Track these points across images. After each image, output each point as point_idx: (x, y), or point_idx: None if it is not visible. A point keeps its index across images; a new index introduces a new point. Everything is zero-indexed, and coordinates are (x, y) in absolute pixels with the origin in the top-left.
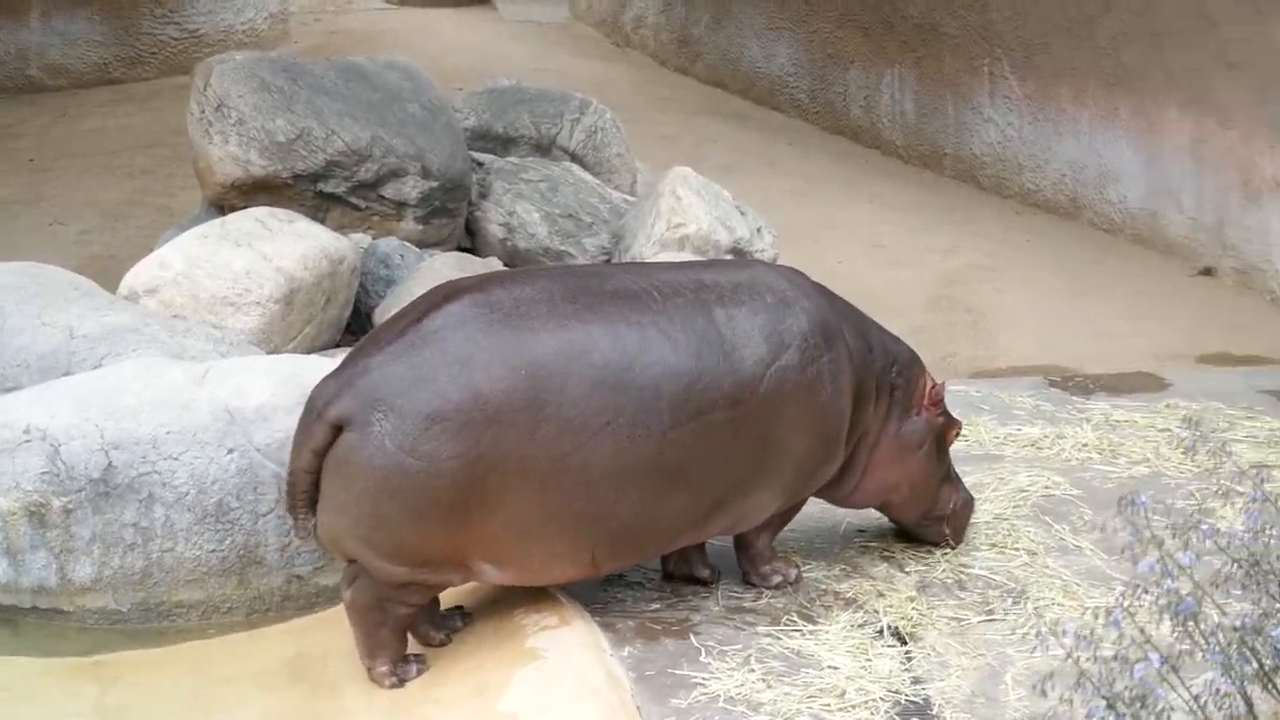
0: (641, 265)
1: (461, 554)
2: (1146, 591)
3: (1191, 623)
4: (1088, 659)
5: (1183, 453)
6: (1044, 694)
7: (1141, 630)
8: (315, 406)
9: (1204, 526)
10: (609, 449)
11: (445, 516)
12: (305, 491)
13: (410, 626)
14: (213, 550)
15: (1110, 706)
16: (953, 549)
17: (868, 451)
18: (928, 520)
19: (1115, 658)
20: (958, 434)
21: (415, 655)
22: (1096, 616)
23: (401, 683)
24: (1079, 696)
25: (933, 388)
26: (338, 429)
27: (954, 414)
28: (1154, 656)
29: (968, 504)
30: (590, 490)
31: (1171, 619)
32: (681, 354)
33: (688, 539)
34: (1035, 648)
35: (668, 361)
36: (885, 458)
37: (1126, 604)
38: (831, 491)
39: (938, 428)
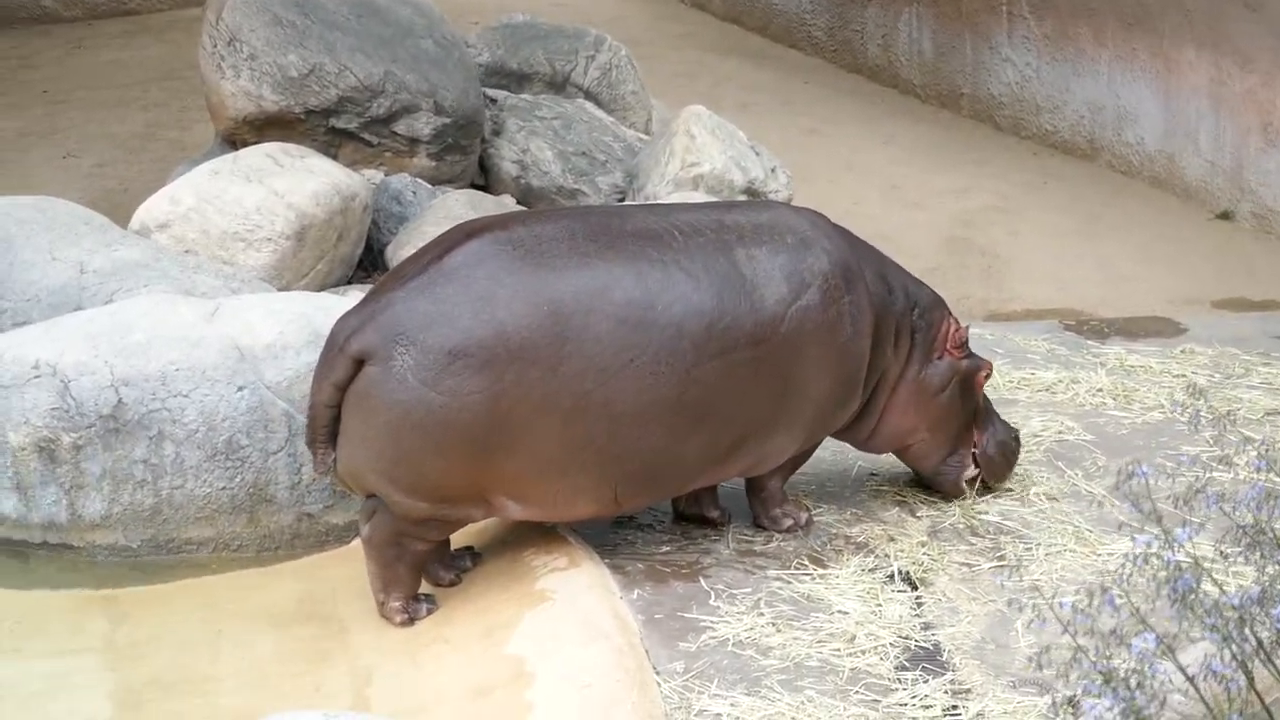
0: (662, 206)
1: (483, 489)
2: (1146, 563)
3: (1191, 596)
4: (1085, 633)
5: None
6: (1040, 668)
7: (1136, 610)
8: (337, 340)
9: (1209, 492)
10: (632, 386)
11: (467, 452)
12: (325, 426)
13: (424, 564)
14: (223, 487)
15: (1107, 682)
16: (994, 487)
17: (886, 394)
18: (946, 467)
19: (1113, 633)
20: (988, 376)
21: (425, 595)
22: (1092, 595)
23: (412, 621)
24: (1075, 672)
25: (955, 330)
26: (360, 363)
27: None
28: (1150, 635)
29: (1002, 445)
30: (613, 427)
31: (1170, 594)
32: (704, 293)
33: (708, 479)
34: (1031, 622)
35: (690, 300)
36: (904, 402)
37: (1127, 575)
38: (849, 434)
39: (961, 371)
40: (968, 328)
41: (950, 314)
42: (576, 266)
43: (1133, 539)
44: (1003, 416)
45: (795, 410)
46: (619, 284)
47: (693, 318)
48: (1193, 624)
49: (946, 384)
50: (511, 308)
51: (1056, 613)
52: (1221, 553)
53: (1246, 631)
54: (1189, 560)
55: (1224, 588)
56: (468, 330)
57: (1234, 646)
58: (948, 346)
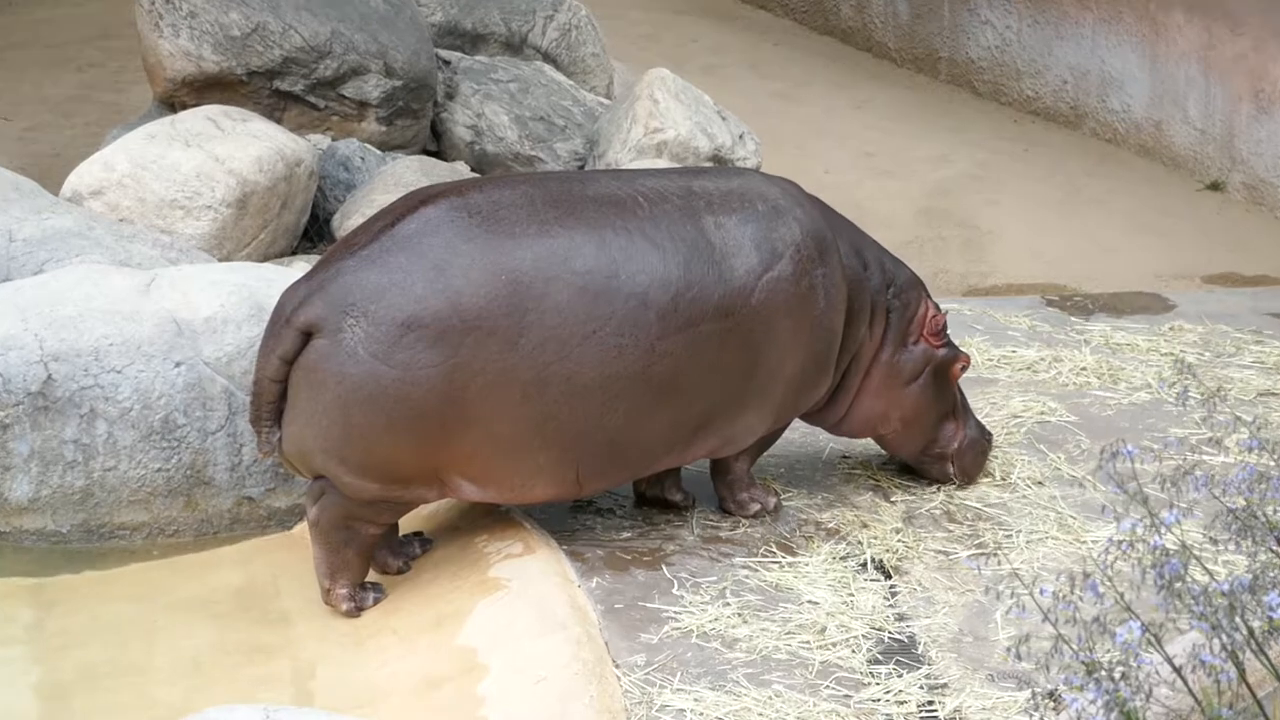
0: (626, 171)
1: (437, 469)
2: (1131, 548)
3: (1178, 583)
4: (1066, 621)
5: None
6: (1019, 658)
7: (1120, 597)
8: (284, 312)
9: (1198, 474)
10: (594, 359)
11: (421, 429)
12: (271, 403)
13: (373, 548)
14: (158, 469)
15: (1090, 673)
16: (966, 485)
17: (860, 376)
18: (927, 457)
19: (1096, 621)
20: (965, 368)
21: (373, 584)
22: (1073, 582)
23: (358, 610)
24: (1056, 662)
25: (933, 316)
26: (307, 335)
27: (952, 338)
28: (1135, 624)
29: (976, 443)
30: (575, 403)
31: (1155, 581)
32: (670, 262)
33: (673, 460)
34: (1009, 610)
35: (655, 269)
36: (876, 386)
37: (1111, 560)
38: (821, 417)
39: (937, 361)
40: (946, 313)
41: (928, 297)
42: (536, 234)
43: (1116, 522)
44: (983, 395)
45: (765, 388)
46: (580, 252)
47: (658, 288)
48: (1180, 612)
49: (919, 372)
50: (468, 276)
51: (1036, 600)
52: (1211, 538)
53: (1237, 620)
54: (1176, 545)
55: (1213, 574)
56: (421, 300)
57: (1224, 636)
58: (924, 332)
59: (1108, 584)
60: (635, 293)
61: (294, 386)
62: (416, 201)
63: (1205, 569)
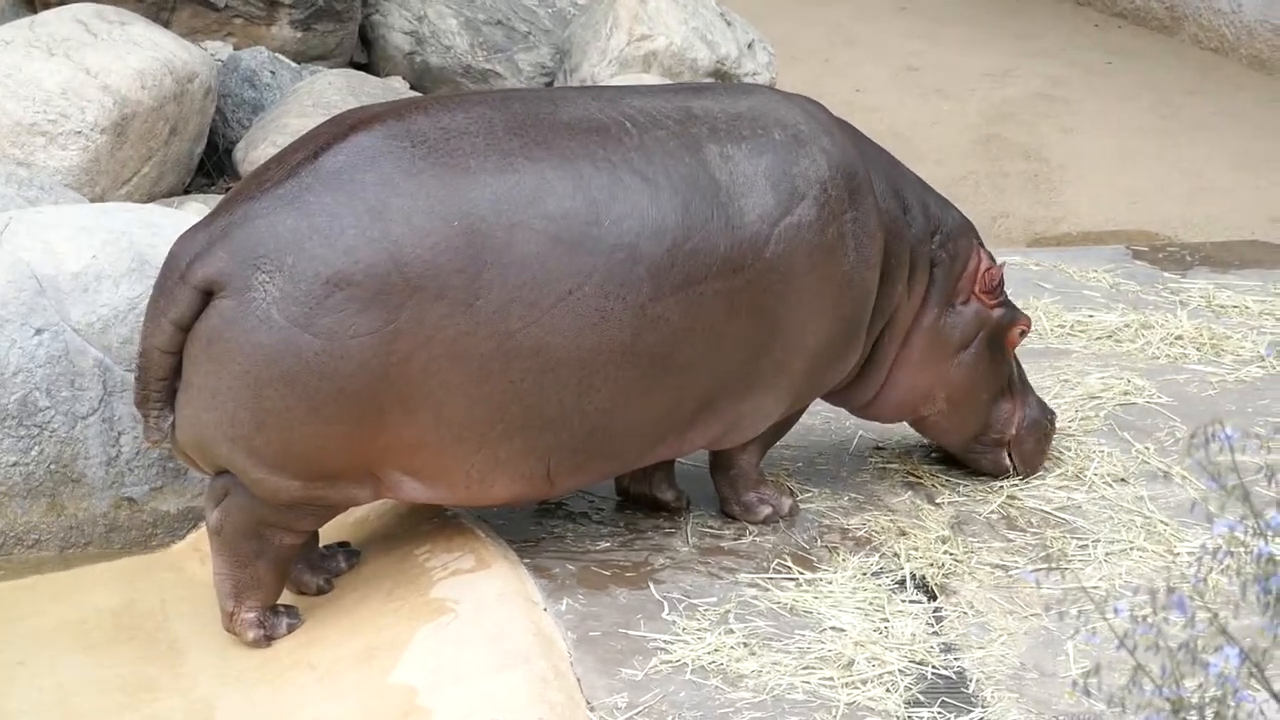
0: (609, 89)
1: (372, 462)
2: (1230, 556)
3: None
4: (1147, 647)
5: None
6: (1088, 693)
7: (1215, 615)
8: (177, 266)
9: None
10: (570, 326)
11: (351, 413)
12: (161, 379)
13: (290, 562)
14: (14, 463)
15: (1176, 713)
16: (1026, 477)
17: (896, 345)
18: (980, 445)
19: (1183, 647)
20: (1024, 333)
21: (286, 606)
22: (1155, 599)
23: (268, 639)
24: (1133, 700)
25: (987, 269)
26: (207, 295)
27: (1011, 298)
28: (1232, 650)
29: (1037, 425)
30: (546, 381)
31: (1259, 597)
32: (664, 204)
33: (666, 451)
34: (1078, 631)
35: (646, 213)
36: (918, 355)
37: (1204, 572)
38: (847, 397)
39: (992, 323)
40: (1003, 265)
41: (981, 246)
42: (496, 168)
43: (1210, 525)
44: (1052, 371)
45: (781, 361)
46: (552, 191)
47: (650, 237)
48: None
49: (970, 338)
50: (410, 221)
51: (1110, 622)
52: None
53: None
54: None
55: None
56: (352, 251)
57: None
58: (976, 289)
59: (1198, 601)
60: (621, 243)
61: (190, 359)
62: (345, 128)
63: None
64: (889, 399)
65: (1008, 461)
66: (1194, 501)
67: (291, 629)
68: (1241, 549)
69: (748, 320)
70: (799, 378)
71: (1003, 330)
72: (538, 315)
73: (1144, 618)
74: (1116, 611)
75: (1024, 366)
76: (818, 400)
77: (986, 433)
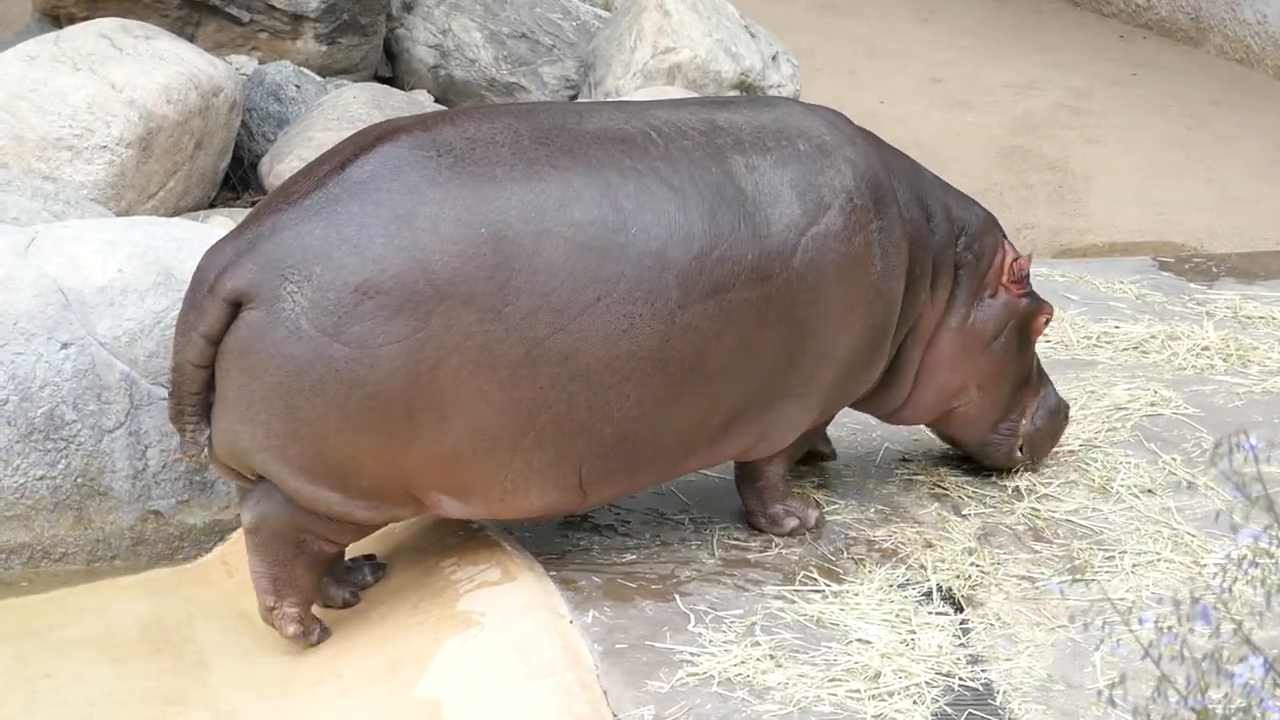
0: (633, 103)
1: (408, 478)
2: (1255, 566)
3: None
4: (1171, 657)
5: None
6: (1113, 704)
7: (1239, 625)
8: (207, 278)
9: None
10: (599, 333)
11: (384, 422)
12: (195, 393)
13: (323, 569)
14: (41, 477)
15: None
16: (1032, 469)
17: (919, 350)
18: (997, 435)
19: (1208, 657)
20: (1048, 321)
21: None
22: (1179, 604)
23: (306, 636)
24: (1159, 710)
25: (1014, 261)
26: (236, 307)
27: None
28: (1257, 660)
29: (1052, 415)
30: (576, 389)
31: None
32: (691, 212)
33: (697, 462)
34: (1101, 644)
35: (673, 220)
36: (946, 357)
37: (1229, 582)
38: (875, 404)
39: (1019, 312)
40: (1029, 257)
41: (1005, 239)
42: (523, 176)
43: (1234, 534)
44: (1078, 382)
45: (811, 371)
46: (579, 199)
47: (678, 245)
48: None
49: (1001, 328)
50: (438, 230)
51: (1134, 632)
52: None
53: None
54: None
55: None
56: (380, 259)
57: None
58: (1004, 280)
59: (1222, 610)
60: (648, 250)
61: (222, 372)
62: (371, 139)
63: None
64: (922, 401)
65: (1019, 453)
66: (1218, 512)
67: (323, 639)
68: (1267, 559)
69: (777, 329)
70: (828, 387)
71: (1029, 318)
72: (566, 322)
73: (1169, 628)
74: (1141, 622)
75: (1050, 377)
76: (844, 412)
77: (1006, 420)
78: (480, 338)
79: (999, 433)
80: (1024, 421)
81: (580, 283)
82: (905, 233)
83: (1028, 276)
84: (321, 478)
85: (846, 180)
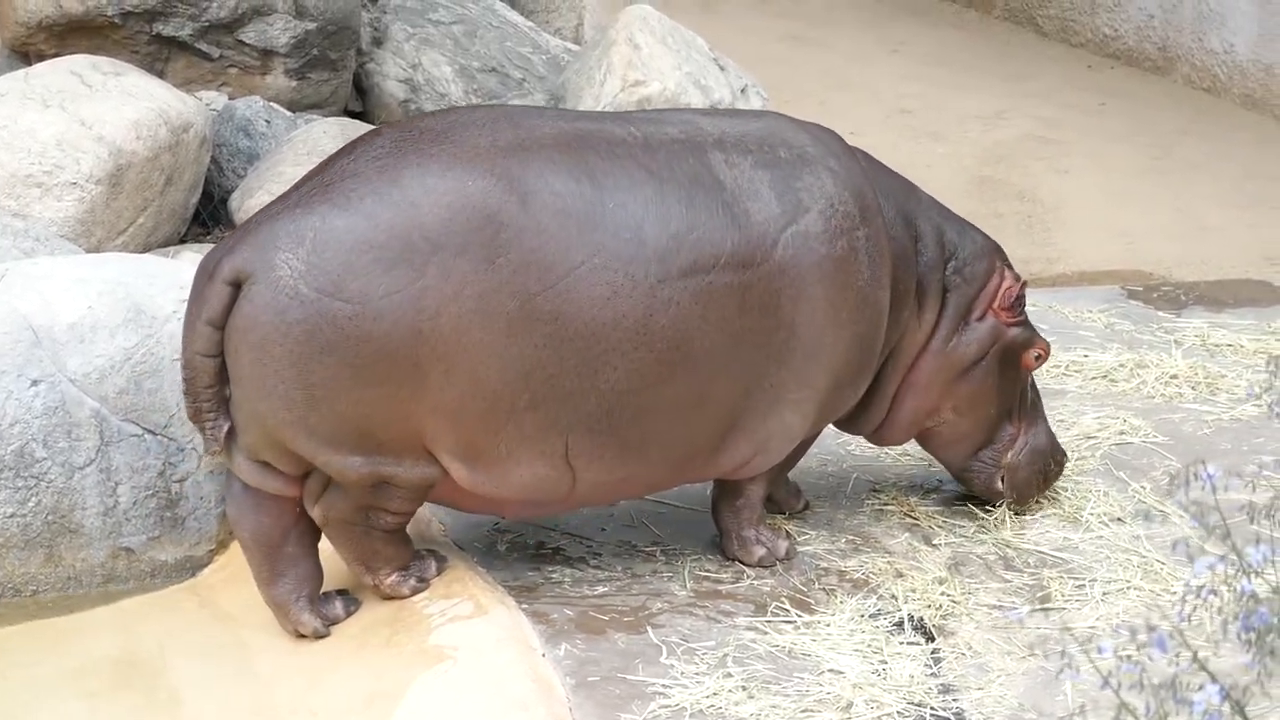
0: (611, 113)
1: (421, 432)
2: (1214, 594)
3: (1273, 638)
4: (1131, 686)
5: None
6: None
7: (1195, 653)
8: (205, 269)
9: None
10: (584, 297)
11: (393, 374)
12: (209, 386)
13: (404, 529)
14: (11, 514)
15: None
16: (1017, 509)
17: (899, 373)
18: (979, 462)
19: (1165, 686)
20: (1042, 358)
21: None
22: (1135, 634)
23: (425, 582)
24: None
25: (1007, 287)
26: (237, 287)
27: None
28: (1213, 688)
29: (1037, 455)
30: (565, 351)
31: (1240, 634)
32: (668, 194)
33: (696, 471)
34: (1062, 669)
35: (649, 200)
36: (927, 379)
37: (1189, 610)
38: (855, 423)
39: (1006, 340)
40: (1022, 284)
41: (1005, 265)
42: (505, 148)
43: (1190, 561)
44: (1048, 411)
45: (803, 373)
46: (559, 171)
47: (654, 221)
48: (1273, 673)
49: (984, 352)
50: (425, 185)
51: (1094, 661)
52: None
53: None
54: (1270, 589)
55: None
56: (371, 215)
57: None
58: (995, 305)
59: (1179, 638)
60: (626, 223)
61: (233, 354)
62: (353, 141)
63: None
64: (900, 421)
65: (1000, 485)
66: (1175, 541)
67: (441, 569)
68: (1225, 587)
69: (761, 319)
70: (821, 394)
71: (1017, 349)
72: (553, 281)
73: (1129, 656)
74: (1101, 651)
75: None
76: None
77: (987, 449)
78: (476, 286)
79: (980, 460)
80: (1008, 455)
81: (563, 246)
82: (889, 247)
83: (1020, 302)
84: (344, 443)
85: (827, 187)
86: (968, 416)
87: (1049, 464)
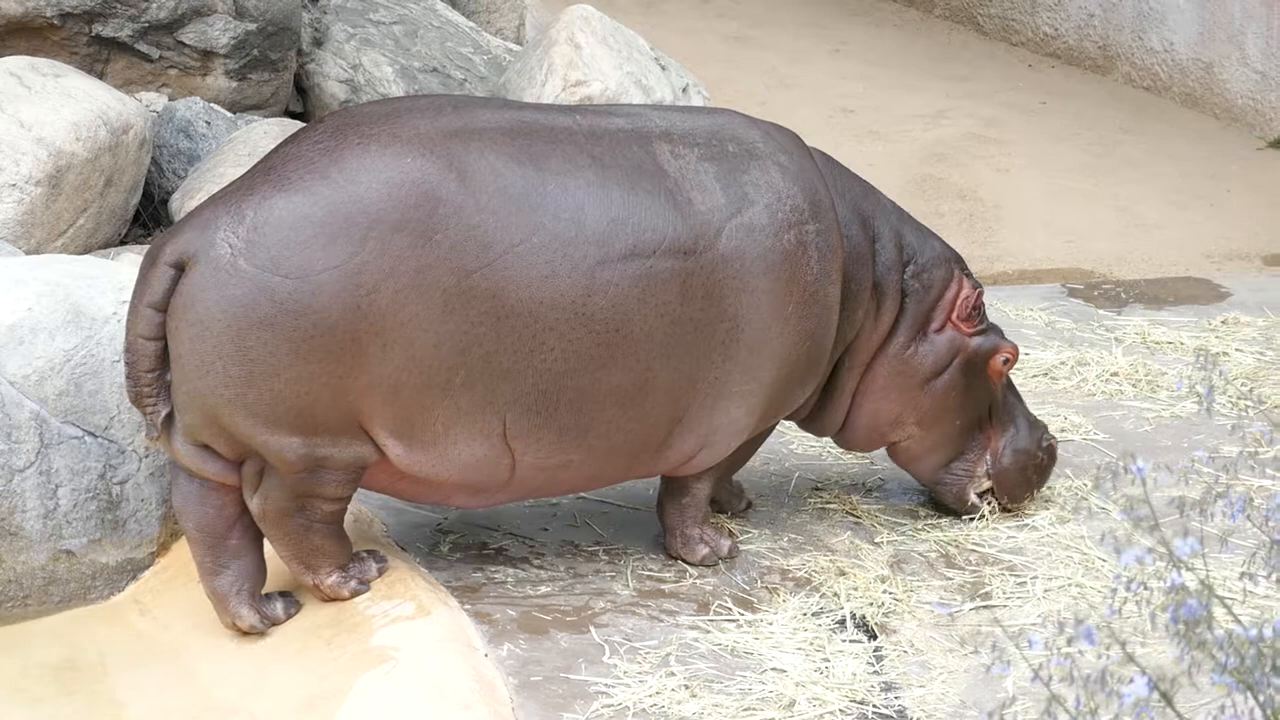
0: (561, 105)
1: (358, 409)
2: (1145, 588)
3: (1202, 629)
4: (1061, 679)
5: (1195, 402)
6: None
7: (1123, 645)
8: (149, 256)
9: (1233, 498)
10: (521, 276)
11: (331, 349)
12: (150, 370)
13: (342, 523)
14: None
15: None
16: (1010, 511)
17: (853, 374)
18: (950, 475)
19: (1095, 679)
20: (1011, 362)
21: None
22: (1062, 627)
23: (366, 583)
24: None
25: (964, 297)
26: (179, 269)
27: None
28: (1141, 679)
29: (1021, 454)
30: (502, 329)
31: (1170, 626)
32: (610, 179)
33: (642, 467)
34: (992, 665)
35: (589, 184)
36: (883, 383)
37: (1119, 603)
38: (816, 423)
39: (969, 351)
40: (977, 292)
41: (964, 274)
42: (444, 134)
43: (1117, 554)
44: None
45: (749, 367)
46: (499, 151)
47: (595, 204)
48: (1200, 663)
49: (944, 365)
50: (363, 161)
51: (1024, 655)
52: (1248, 575)
53: (1269, 673)
54: (1199, 582)
55: (1239, 618)
56: (310, 192)
57: (1262, 694)
58: (953, 316)
59: (1108, 631)
60: (566, 205)
61: (174, 334)
62: (297, 130)
63: (1231, 612)
64: (856, 426)
65: (973, 498)
66: (1104, 534)
67: (381, 571)
68: (1156, 579)
69: (703, 308)
70: (767, 388)
71: (982, 358)
72: (491, 259)
73: (1059, 650)
74: (1030, 644)
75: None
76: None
77: (958, 460)
78: (413, 262)
79: (951, 473)
80: (984, 462)
81: (502, 224)
82: (841, 244)
83: (978, 311)
84: (281, 421)
85: (774, 181)
86: (933, 430)
87: (1038, 459)
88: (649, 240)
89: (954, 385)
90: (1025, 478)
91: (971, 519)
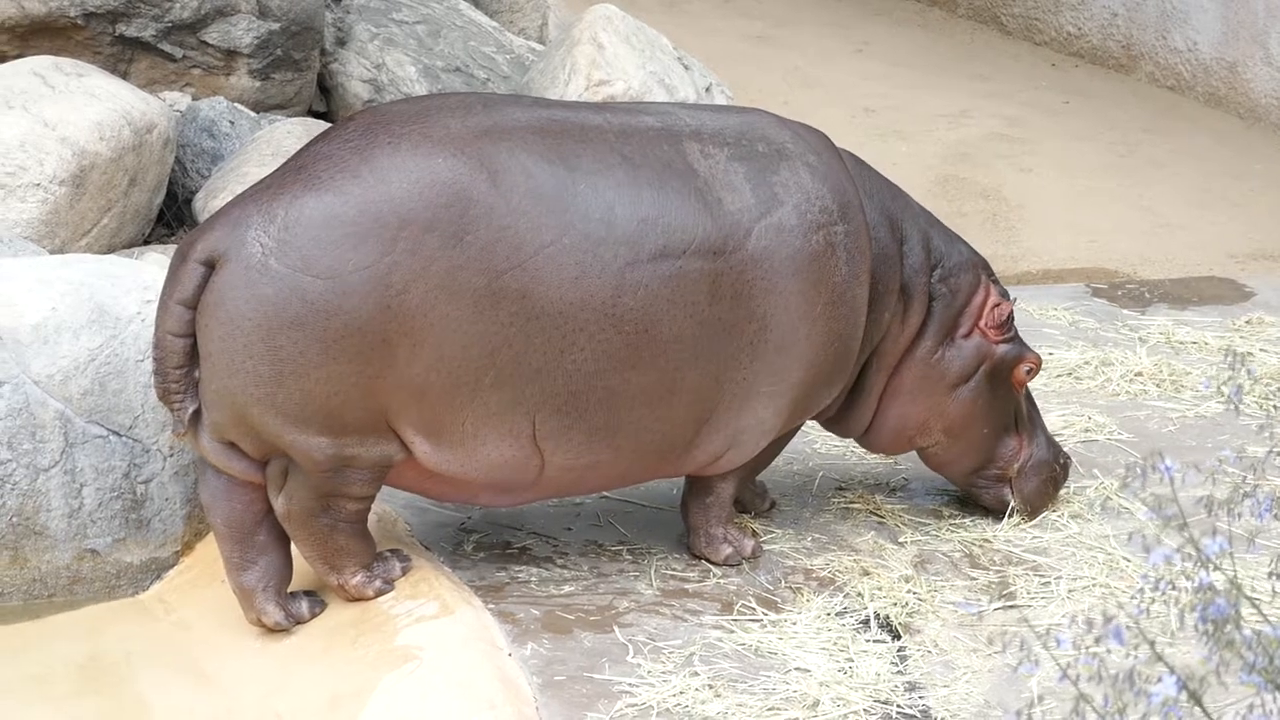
0: (590, 102)
1: (386, 410)
2: (1173, 588)
3: (1230, 629)
4: (1089, 678)
5: (1220, 402)
6: None
7: (1152, 644)
8: (181, 252)
9: (1260, 497)
10: (552, 277)
11: (361, 350)
12: (179, 367)
13: (365, 523)
14: None
15: None
16: (1028, 519)
17: (881, 376)
18: (982, 479)
19: (1123, 678)
20: (1034, 371)
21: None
22: (1090, 626)
23: (391, 584)
24: None
25: (995, 305)
26: (210, 267)
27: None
28: (1171, 679)
29: (1042, 465)
30: (531, 330)
31: (1198, 626)
32: (641, 179)
33: (670, 466)
34: (1020, 664)
35: (620, 183)
36: (910, 386)
37: (1147, 602)
38: (843, 424)
39: (995, 359)
40: (1014, 301)
41: (992, 281)
42: (475, 129)
43: (1146, 553)
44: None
45: (777, 367)
46: (530, 151)
47: (624, 204)
48: (1228, 663)
49: (970, 373)
50: (395, 160)
51: (1052, 654)
52: (1276, 574)
53: None
54: (1227, 581)
55: (1268, 618)
56: (342, 191)
57: None
58: (981, 324)
59: (1135, 630)
60: (597, 205)
61: (204, 331)
62: (327, 129)
63: (1259, 611)
64: (882, 429)
65: (1010, 497)
66: (1132, 533)
67: (405, 570)
68: (1184, 579)
69: (732, 309)
70: (795, 388)
71: (1007, 366)
72: (522, 259)
73: (1087, 649)
74: (1059, 643)
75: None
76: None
77: (988, 467)
78: (444, 263)
79: (983, 477)
80: (1012, 471)
81: (533, 225)
82: (870, 246)
83: (1009, 322)
84: (310, 421)
85: (804, 182)
86: (961, 438)
87: (1055, 472)
88: (679, 241)
89: (980, 393)
90: (1045, 489)
91: (998, 519)
